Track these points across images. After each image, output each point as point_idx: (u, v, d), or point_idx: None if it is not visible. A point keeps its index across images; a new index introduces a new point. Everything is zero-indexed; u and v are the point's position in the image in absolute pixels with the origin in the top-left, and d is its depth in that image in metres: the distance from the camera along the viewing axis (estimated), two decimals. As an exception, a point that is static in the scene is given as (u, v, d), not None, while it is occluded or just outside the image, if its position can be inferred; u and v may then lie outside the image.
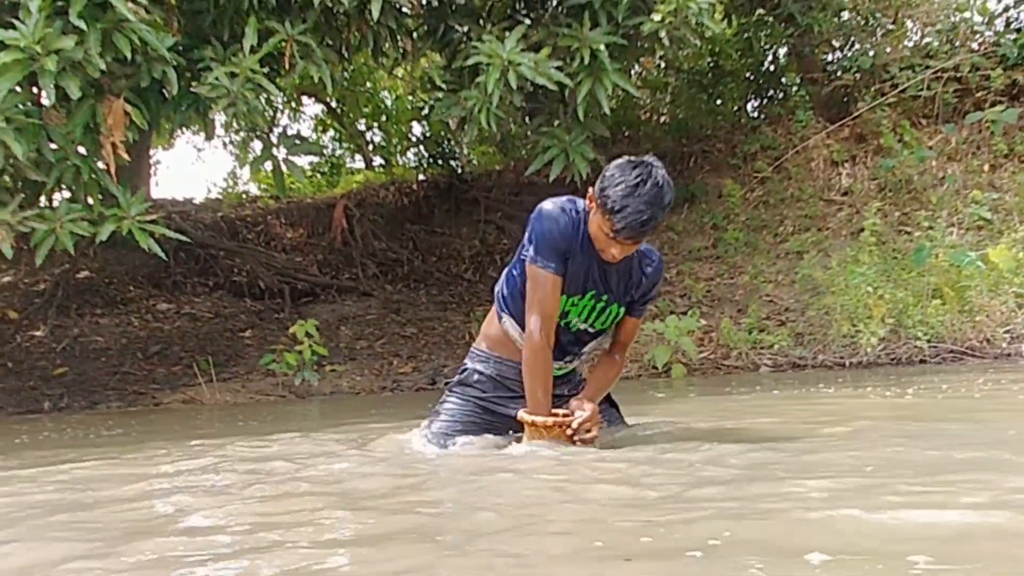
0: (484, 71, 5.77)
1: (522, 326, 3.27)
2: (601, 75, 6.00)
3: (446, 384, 3.63)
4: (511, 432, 3.38)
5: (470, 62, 5.90)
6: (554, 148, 6.43)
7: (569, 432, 3.16)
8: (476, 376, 3.47)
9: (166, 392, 8.21)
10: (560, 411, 3.22)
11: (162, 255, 6.50)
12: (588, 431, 3.17)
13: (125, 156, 5.64)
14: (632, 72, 7.82)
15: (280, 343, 8.83)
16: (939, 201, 8.96)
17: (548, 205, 3.11)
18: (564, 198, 3.15)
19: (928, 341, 7.08)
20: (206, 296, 11.01)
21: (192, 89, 5.85)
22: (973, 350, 6.97)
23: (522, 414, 3.22)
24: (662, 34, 5.87)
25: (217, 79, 5.51)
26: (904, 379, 5.71)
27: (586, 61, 5.93)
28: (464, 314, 9.93)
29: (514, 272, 3.30)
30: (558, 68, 5.92)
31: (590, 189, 3.07)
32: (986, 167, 9.31)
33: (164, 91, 5.82)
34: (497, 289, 3.42)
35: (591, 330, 3.33)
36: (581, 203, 3.13)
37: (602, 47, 5.96)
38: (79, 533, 2.11)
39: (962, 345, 7.02)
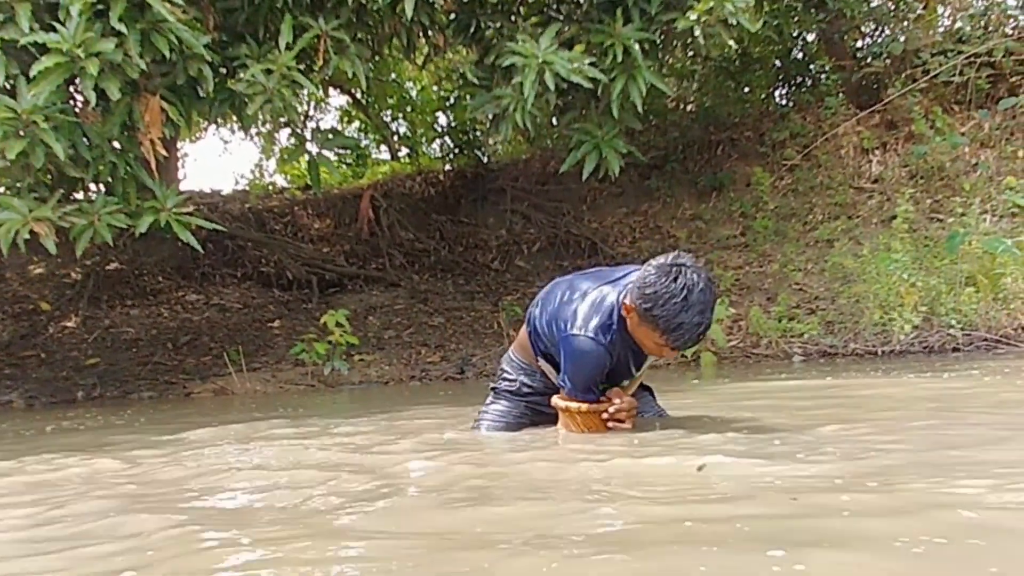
0: (519, 71, 5.76)
1: (557, 369, 3.30)
2: (635, 72, 5.98)
3: (492, 389, 3.64)
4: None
5: (505, 63, 5.89)
6: (587, 144, 6.42)
7: (605, 417, 3.19)
8: (525, 388, 3.51)
9: (196, 382, 8.29)
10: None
11: (198, 246, 6.57)
12: (622, 420, 3.20)
13: (163, 152, 5.69)
14: (662, 67, 7.77)
15: (309, 333, 8.89)
16: (972, 188, 8.88)
17: (583, 343, 3.05)
18: (595, 319, 3.06)
19: (961, 329, 7.04)
20: (234, 287, 11.09)
21: (228, 86, 5.89)
22: (1008, 338, 6.92)
23: (556, 400, 3.26)
24: (696, 31, 5.82)
25: (253, 76, 5.54)
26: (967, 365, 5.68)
27: (619, 58, 5.91)
28: (492, 303, 9.95)
29: (546, 344, 3.30)
30: (591, 64, 5.90)
31: (624, 302, 3.00)
32: (1020, 153, 9.21)
33: (198, 88, 5.85)
34: (530, 331, 3.39)
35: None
36: (612, 309, 3.06)
37: (635, 44, 5.93)
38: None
39: (996, 333, 6.97)
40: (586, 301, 3.15)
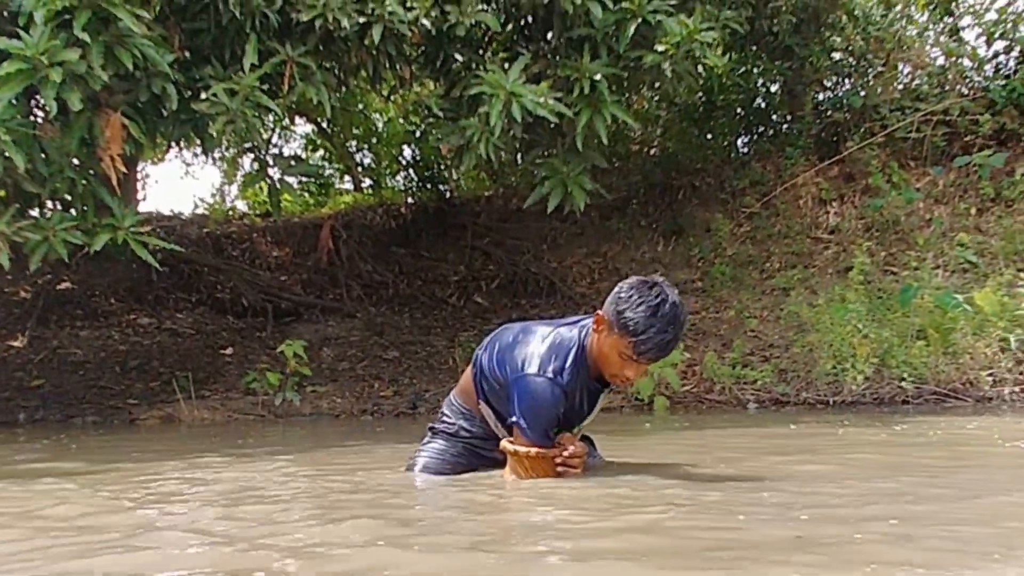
0: (486, 102, 5.78)
1: (499, 417, 3.29)
2: (600, 106, 6.02)
3: (430, 428, 3.60)
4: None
5: (472, 92, 5.91)
6: (551, 179, 6.43)
7: (557, 462, 3.15)
8: (463, 432, 3.47)
9: (143, 408, 8.13)
10: None
11: (156, 265, 6.47)
12: (574, 466, 3.17)
13: (123, 169, 5.61)
14: (629, 105, 7.85)
15: (262, 362, 8.77)
16: (925, 243, 9.02)
17: (540, 384, 3.04)
18: (552, 361, 3.05)
19: (912, 382, 7.11)
20: (188, 312, 10.93)
21: (192, 106, 5.83)
22: (956, 392, 7.00)
23: (505, 444, 3.21)
24: (665, 67, 5.89)
25: (216, 96, 5.49)
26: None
27: (585, 91, 5.96)
28: (448, 339, 9.89)
29: (494, 387, 3.26)
30: (557, 99, 5.93)
31: (598, 312, 3.06)
32: (973, 211, 9.39)
33: (162, 107, 5.79)
34: (476, 373, 3.35)
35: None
36: (571, 347, 3.08)
37: (601, 78, 5.98)
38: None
39: (945, 387, 7.04)
40: (544, 343, 3.13)
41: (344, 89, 7.54)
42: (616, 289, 3.04)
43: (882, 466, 3.65)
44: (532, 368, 3.07)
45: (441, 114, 6.39)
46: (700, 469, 3.49)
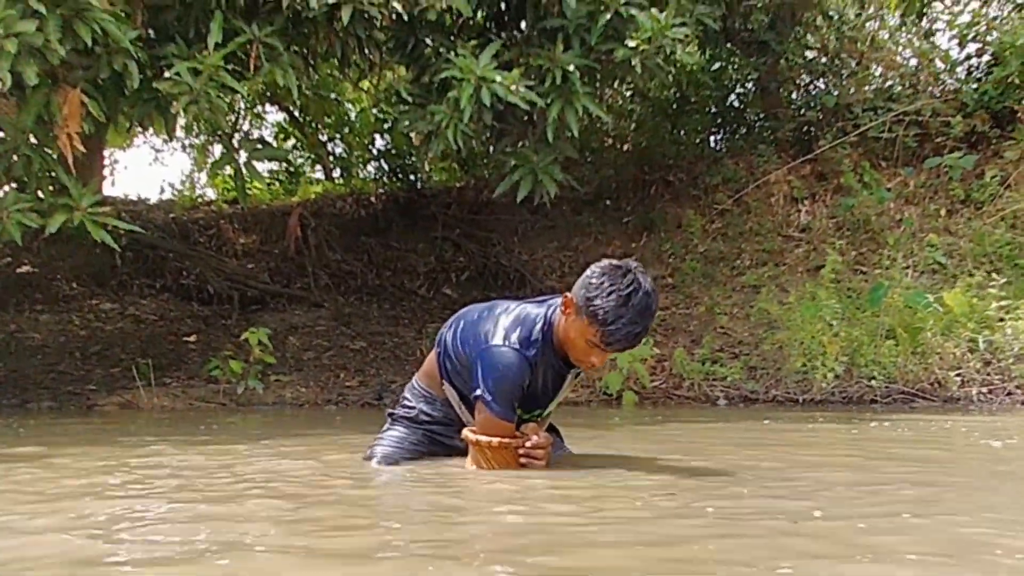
0: (456, 86, 5.68)
1: (462, 398, 3.18)
2: (571, 97, 5.94)
3: (390, 414, 3.49)
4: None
5: (442, 76, 5.80)
6: (521, 168, 6.34)
7: (521, 453, 3.05)
8: (424, 416, 3.35)
9: (102, 394, 7.95)
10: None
11: (117, 247, 6.31)
12: (538, 458, 3.07)
13: (80, 148, 5.44)
14: (601, 98, 7.79)
15: (226, 350, 8.62)
16: (895, 243, 9.02)
17: (505, 354, 2.94)
18: (517, 332, 2.96)
19: (881, 381, 7.09)
20: (152, 298, 10.74)
21: (154, 85, 5.68)
22: (924, 392, 7.00)
23: (467, 432, 3.10)
24: (635, 61, 5.82)
25: (179, 75, 5.34)
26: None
27: (557, 82, 5.87)
28: (416, 330, 9.79)
29: (457, 366, 3.16)
30: (528, 87, 5.84)
31: (566, 294, 2.94)
32: (943, 212, 9.40)
33: (123, 85, 5.63)
34: (440, 352, 3.24)
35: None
36: (538, 323, 2.98)
37: (573, 69, 5.90)
38: None
39: (913, 387, 7.03)
40: (509, 315, 3.03)
41: (312, 72, 7.41)
42: (587, 272, 2.91)
43: (885, 458, 3.61)
44: (497, 339, 2.96)
45: (411, 99, 6.28)
46: (670, 463, 3.41)
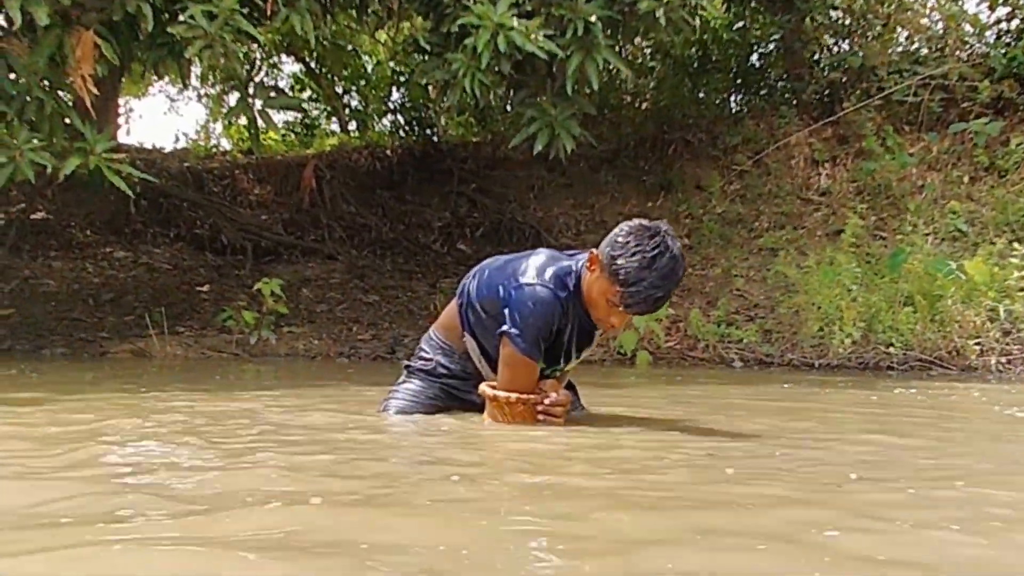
0: (473, 33, 5.56)
1: (483, 352, 3.13)
2: (593, 49, 5.81)
3: (406, 367, 3.42)
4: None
5: (459, 22, 5.67)
6: (539, 121, 6.23)
7: (540, 410, 3.00)
8: (441, 369, 3.28)
9: (114, 342, 7.94)
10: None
11: (131, 193, 6.26)
12: (557, 415, 3.02)
13: (93, 90, 5.37)
14: (622, 52, 7.64)
15: (239, 300, 8.60)
16: (916, 209, 8.88)
17: (538, 290, 2.86)
18: (551, 271, 2.90)
19: (898, 348, 7.01)
20: (166, 247, 10.73)
21: (168, 29, 5.58)
22: (941, 360, 6.91)
23: (484, 387, 3.04)
24: (659, 14, 5.68)
25: (193, 18, 5.24)
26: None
27: (579, 33, 5.74)
28: (429, 285, 9.74)
29: (480, 313, 3.09)
30: (548, 37, 5.71)
31: (593, 251, 2.88)
32: (966, 179, 9.25)
33: (137, 28, 5.54)
34: (462, 303, 3.17)
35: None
36: (571, 271, 2.92)
37: (595, 20, 5.77)
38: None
39: (931, 354, 6.95)
40: (540, 256, 2.98)
41: (330, 20, 7.28)
42: (615, 231, 2.85)
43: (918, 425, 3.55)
44: (529, 277, 2.90)
45: (429, 48, 6.16)
46: (686, 422, 3.35)
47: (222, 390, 4.65)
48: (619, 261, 2.73)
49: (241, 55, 5.49)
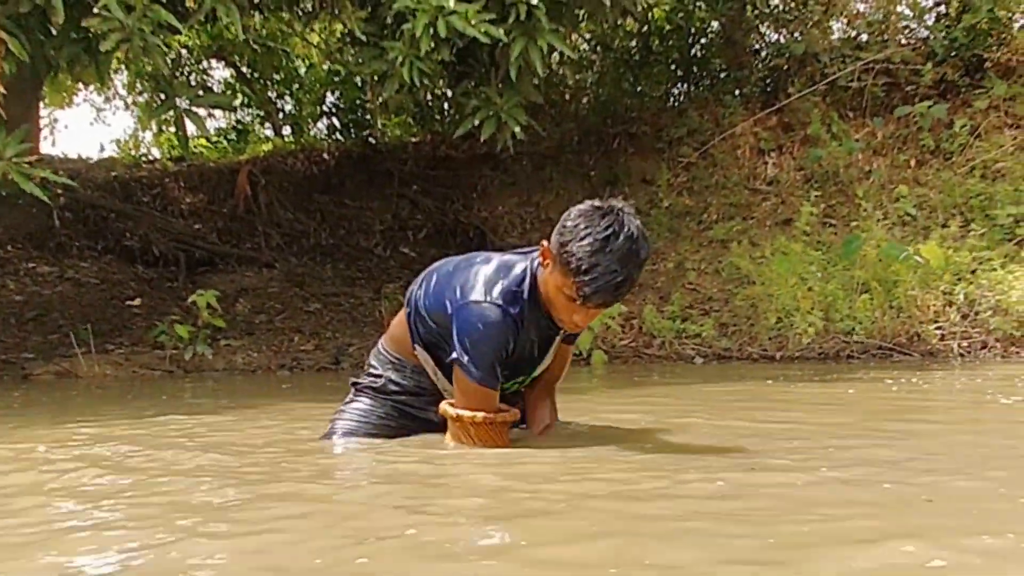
0: (411, 20, 5.24)
1: (438, 363, 2.79)
2: (536, 34, 5.53)
3: (353, 384, 3.06)
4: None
5: (396, 6, 5.34)
6: (483, 111, 5.93)
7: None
8: (392, 386, 2.92)
9: (38, 363, 7.47)
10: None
11: (45, 199, 5.84)
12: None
13: (1, 90, 4.95)
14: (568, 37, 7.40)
15: (172, 314, 8.17)
16: (864, 194, 8.77)
17: (486, 311, 2.54)
18: (499, 285, 2.58)
19: (858, 336, 6.86)
20: (93, 260, 10.22)
21: (82, 23, 5.17)
22: (901, 346, 6.78)
23: (445, 406, 2.68)
24: (604, -8, 5.43)
25: (108, 9, 4.85)
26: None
27: (521, 18, 5.45)
28: (373, 290, 9.41)
29: (430, 326, 2.76)
30: (490, 23, 5.42)
31: (544, 243, 2.55)
32: (912, 162, 9.17)
33: (47, 21, 5.14)
34: (411, 312, 2.84)
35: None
36: (523, 277, 2.61)
37: (538, 3, 5.48)
38: None
39: (890, 341, 6.81)
40: (489, 266, 2.64)
41: (260, 18, 6.92)
42: (564, 216, 2.54)
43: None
44: (476, 294, 2.57)
45: (365, 39, 5.83)
46: (658, 426, 3.10)
47: (150, 413, 4.28)
48: (570, 248, 2.43)
49: (163, 48, 5.08)
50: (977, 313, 6.86)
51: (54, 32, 5.23)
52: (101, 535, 1.72)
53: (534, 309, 2.61)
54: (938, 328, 6.75)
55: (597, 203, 2.53)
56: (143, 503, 2.04)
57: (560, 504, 1.91)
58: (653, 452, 2.62)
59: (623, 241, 2.42)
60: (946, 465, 2.29)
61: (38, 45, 5.30)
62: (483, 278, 2.60)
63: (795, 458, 2.42)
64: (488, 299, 2.55)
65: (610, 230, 2.42)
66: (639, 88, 11.24)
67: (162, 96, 6.13)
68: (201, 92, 6.09)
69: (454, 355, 2.59)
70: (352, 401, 3.01)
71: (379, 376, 2.95)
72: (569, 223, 2.47)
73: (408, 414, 2.93)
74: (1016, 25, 9.78)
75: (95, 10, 5.00)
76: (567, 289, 2.47)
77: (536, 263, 2.62)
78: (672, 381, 5.64)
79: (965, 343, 6.63)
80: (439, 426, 2.80)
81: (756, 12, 10.23)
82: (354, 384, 3.04)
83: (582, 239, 2.41)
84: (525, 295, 2.59)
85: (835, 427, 3.09)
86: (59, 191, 5.72)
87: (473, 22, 5.22)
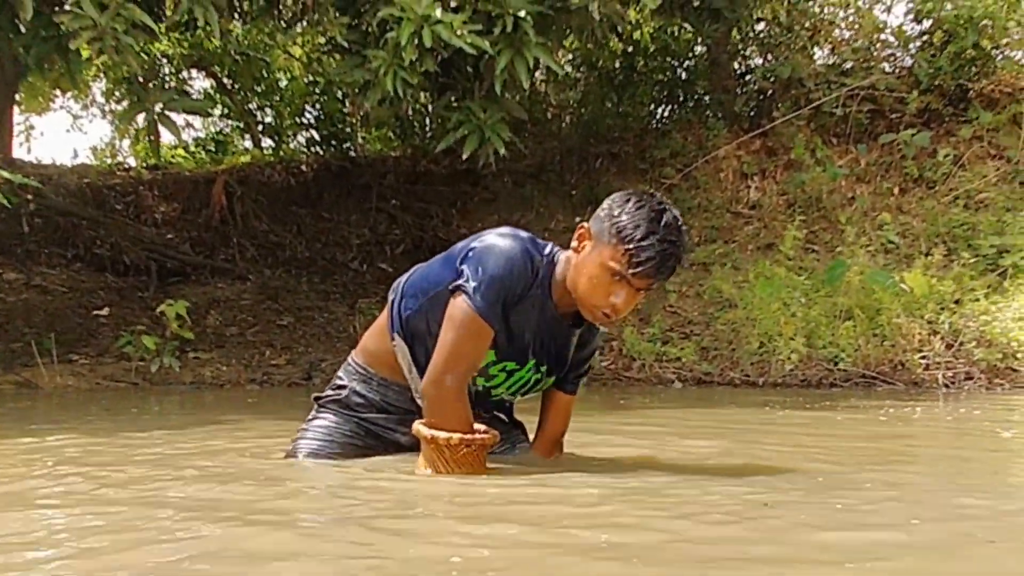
0: (395, 28, 5.10)
1: (415, 360, 2.57)
2: (523, 47, 5.40)
3: (315, 399, 2.85)
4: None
5: (380, 15, 5.19)
6: (466, 125, 5.79)
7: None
8: (356, 399, 2.72)
9: (-2, 372, 7.23)
10: (478, 426, 2.50)
11: (6, 203, 5.63)
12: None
13: (-38, 88, 4.77)
14: (556, 51, 7.29)
15: (141, 324, 7.96)
16: (847, 221, 8.71)
17: (507, 241, 2.40)
18: (524, 235, 2.46)
19: (842, 364, 6.75)
20: (62, 268, 9.97)
21: (53, 19, 5.00)
22: (885, 375, 6.68)
23: (419, 426, 2.44)
24: (592, 7, 5.30)
25: (80, 6, 4.68)
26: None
27: (508, 30, 5.32)
28: (348, 306, 9.23)
29: (419, 296, 2.55)
30: (476, 34, 5.29)
31: (582, 225, 2.43)
32: (895, 190, 9.14)
33: (15, 18, 4.96)
34: (395, 298, 2.64)
35: (516, 399, 2.70)
36: (543, 247, 2.48)
37: (525, 15, 5.35)
38: None
39: (874, 369, 6.71)
40: (498, 229, 2.51)
41: (241, 24, 6.76)
42: (606, 201, 2.42)
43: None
44: (492, 236, 2.43)
45: (347, 46, 5.67)
46: (641, 455, 2.95)
47: (104, 428, 4.08)
48: (623, 218, 2.31)
49: (136, 48, 4.90)
50: (961, 344, 6.77)
51: (23, 29, 5.04)
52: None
53: (545, 289, 2.47)
54: (923, 358, 6.65)
55: (635, 191, 2.46)
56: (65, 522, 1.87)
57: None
58: (635, 479, 2.47)
59: (673, 218, 2.35)
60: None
61: (5, 42, 5.12)
62: (494, 231, 2.48)
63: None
64: (512, 238, 2.43)
65: (661, 207, 2.35)
66: (622, 108, 11.15)
67: (135, 99, 5.93)
68: (176, 96, 5.88)
69: (459, 281, 2.39)
70: (315, 418, 2.82)
71: (343, 387, 2.75)
72: (617, 200, 2.40)
73: (374, 433, 2.73)
74: (999, 56, 9.80)
75: (67, 7, 4.84)
76: (614, 261, 2.31)
77: (552, 251, 2.50)
78: (652, 407, 5.49)
79: (950, 373, 6.53)
80: (409, 449, 2.62)
81: (741, 36, 10.16)
82: (316, 398, 2.85)
83: (636, 210, 2.33)
84: (543, 268, 2.46)
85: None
86: (28, 196, 5.52)
87: (459, 32, 5.09)
